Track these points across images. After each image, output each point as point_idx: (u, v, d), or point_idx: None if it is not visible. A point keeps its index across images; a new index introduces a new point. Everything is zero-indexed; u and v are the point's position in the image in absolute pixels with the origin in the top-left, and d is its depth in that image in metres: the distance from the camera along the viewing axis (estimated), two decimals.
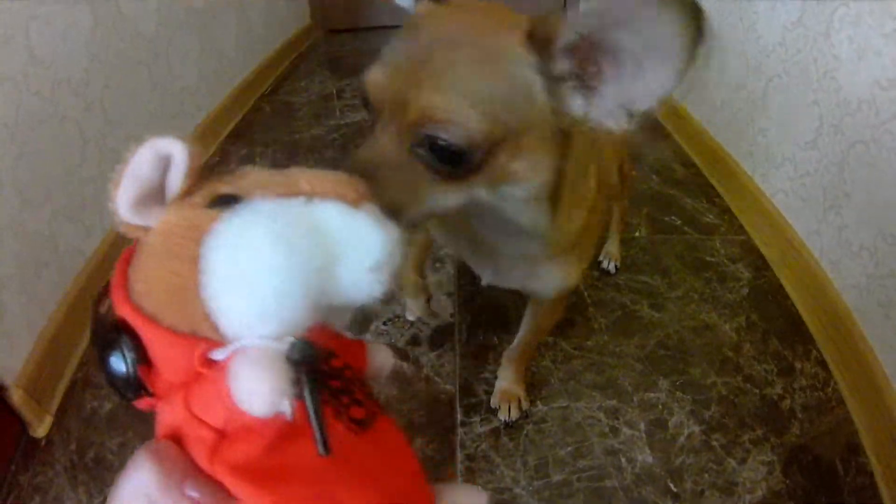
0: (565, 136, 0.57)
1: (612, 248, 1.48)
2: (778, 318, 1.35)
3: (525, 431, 1.12)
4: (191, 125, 1.96)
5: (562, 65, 0.52)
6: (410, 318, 1.34)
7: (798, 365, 1.25)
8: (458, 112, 0.50)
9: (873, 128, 1.20)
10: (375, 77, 0.55)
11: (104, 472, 1.07)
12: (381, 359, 0.53)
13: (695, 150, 1.97)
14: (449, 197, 0.56)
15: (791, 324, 1.34)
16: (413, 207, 0.55)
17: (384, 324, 1.33)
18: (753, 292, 1.40)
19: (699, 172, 1.82)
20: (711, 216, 1.62)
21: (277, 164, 1.57)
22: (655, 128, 2.07)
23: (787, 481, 1.06)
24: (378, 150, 0.54)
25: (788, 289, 1.42)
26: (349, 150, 2.00)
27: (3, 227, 1.13)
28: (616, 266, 1.47)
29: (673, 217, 1.62)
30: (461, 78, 0.51)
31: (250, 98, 2.41)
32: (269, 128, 2.24)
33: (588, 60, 0.51)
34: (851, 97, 1.28)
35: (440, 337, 1.29)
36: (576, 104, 0.54)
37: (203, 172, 0.41)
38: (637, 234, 1.56)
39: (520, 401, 1.14)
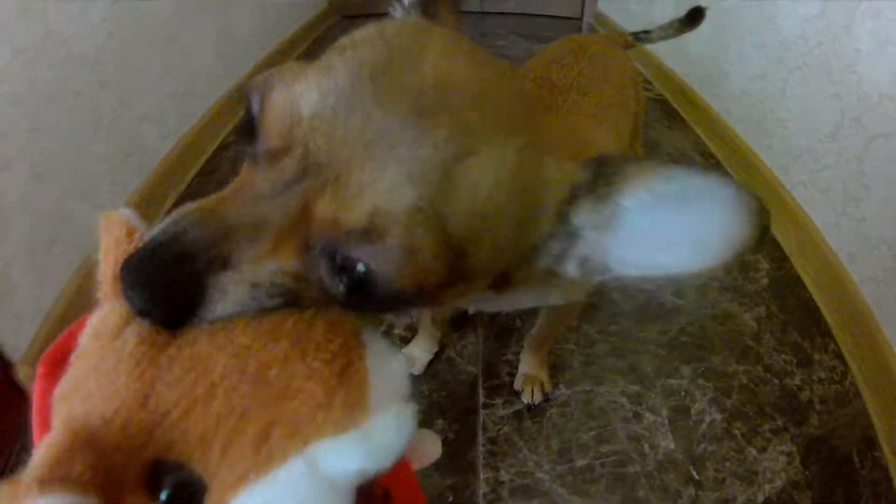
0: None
1: None
2: (797, 310, 1.35)
3: (548, 414, 1.12)
4: (204, 107, 1.93)
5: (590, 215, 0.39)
6: (414, 372, 1.17)
7: (816, 357, 1.26)
8: (408, 229, 0.32)
9: (894, 121, 1.20)
10: (307, 105, 0.34)
11: None
12: (428, 446, 0.47)
13: (713, 140, 1.96)
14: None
15: (809, 316, 1.34)
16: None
17: None
18: (773, 283, 1.40)
19: (718, 163, 1.81)
20: None
21: None
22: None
23: (806, 472, 1.07)
24: (260, 222, 0.33)
25: (807, 281, 1.42)
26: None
27: (14, 203, 1.11)
28: None
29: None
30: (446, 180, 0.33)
31: None
32: None
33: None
34: (872, 91, 1.27)
35: (462, 318, 1.28)
36: (573, 261, 0.41)
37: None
38: None
39: (543, 384, 1.13)
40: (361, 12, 3.21)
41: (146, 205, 1.55)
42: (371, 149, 0.32)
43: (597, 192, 0.38)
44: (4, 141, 1.07)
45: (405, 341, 1.20)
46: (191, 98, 1.85)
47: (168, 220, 0.35)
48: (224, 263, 0.33)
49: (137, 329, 0.33)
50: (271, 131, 0.34)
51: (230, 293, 0.33)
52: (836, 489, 1.06)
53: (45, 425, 0.33)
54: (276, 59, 2.50)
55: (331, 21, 3.22)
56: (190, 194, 1.72)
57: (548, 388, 1.14)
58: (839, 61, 1.39)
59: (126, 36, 1.47)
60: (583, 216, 0.39)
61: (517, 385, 1.14)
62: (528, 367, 1.14)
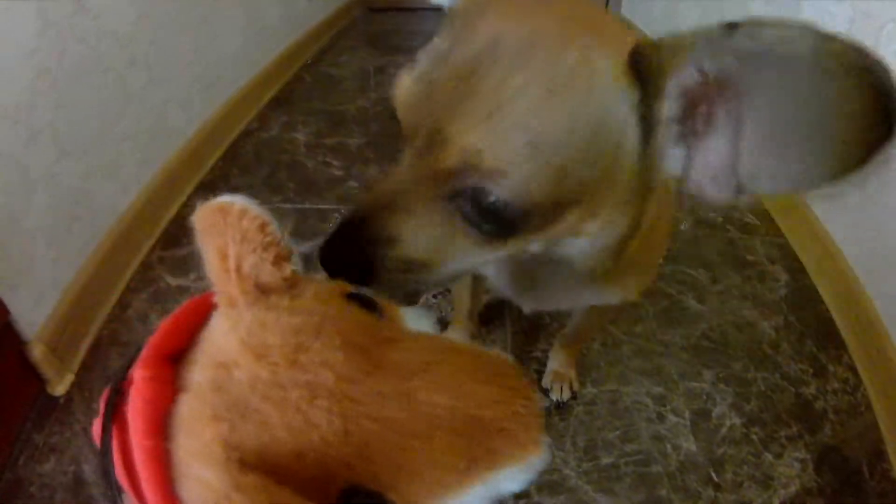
0: (649, 189, 0.44)
1: None
2: (813, 321, 1.38)
3: (575, 412, 1.14)
4: (232, 90, 1.93)
5: (670, 107, 0.38)
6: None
7: (831, 368, 1.29)
8: (515, 162, 0.36)
9: None
10: (404, 93, 0.42)
11: None
12: None
13: None
14: (491, 255, 0.44)
15: (825, 328, 1.38)
16: (442, 268, 0.44)
17: (434, 297, 1.32)
18: (791, 294, 1.44)
19: None
20: (752, 217, 1.64)
21: (321, 134, 1.54)
22: None
23: (819, 479, 1.10)
24: (402, 190, 0.41)
25: (823, 294, 1.45)
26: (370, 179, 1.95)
27: (38, 177, 1.09)
28: None
29: (714, 214, 1.63)
30: (524, 111, 0.36)
31: (292, 68, 2.40)
32: (311, 97, 2.20)
33: (700, 104, 0.37)
34: None
35: (492, 312, 1.29)
36: (674, 159, 0.40)
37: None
38: (682, 227, 1.57)
39: (572, 382, 1.16)
40: (387, 5, 3.27)
41: (169, 186, 1.54)
42: (473, 108, 0.37)
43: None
44: (32, 114, 1.06)
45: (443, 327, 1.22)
46: (218, 82, 1.84)
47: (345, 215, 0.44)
48: (388, 238, 0.42)
49: (325, 358, 0.33)
50: (404, 122, 0.42)
51: (390, 268, 0.42)
52: (847, 498, 1.09)
53: (156, 432, 0.33)
54: (303, 47, 2.51)
55: (357, 12, 3.24)
56: (212, 179, 1.71)
57: (576, 386, 1.16)
58: None
59: (158, 16, 1.46)
60: (665, 109, 0.38)
61: (545, 382, 1.17)
62: (558, 365, 1.16)
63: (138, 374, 0.35)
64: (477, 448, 0.33)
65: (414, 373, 0.35)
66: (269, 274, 0.37)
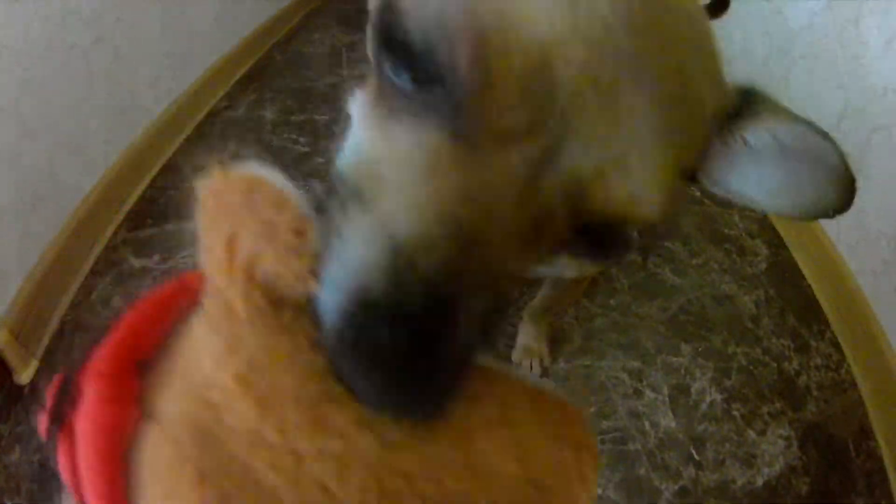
0: None
1: None
2: (794, 297, 1.33)
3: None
4: (201, 68, 1.86)
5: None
6: None
7: (813, 344, 1.24)
8: (660, 202, 0.29)
9: None
10: (555, 66, 0.25)
11: None
12: None
13: None
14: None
15: (807, 303, 1.32)
16: (522, 278, 0.32)
17: None
18: (771, 268, 1.38)
19: None
20: None
21: (289, 111, 1.44)
22: None
23: (803, 457, 1.05)
24: (489, 207, 0.25)
25: (804, 270, 1.41)
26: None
27: (1, 157, 1.06)
28: None
29: (691, 188, 1.58)
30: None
31: (263, 46, 2.31)
32: (281, 76, 2.13)
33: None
34: (878, 83, 1.26)
35: None
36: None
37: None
38: None
39: (542, 357, 1.08)
40: None
41: (135, 166, 1.48)
42: (648, 126, 0.27)
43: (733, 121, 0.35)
44: None
45: None
46: (187, 60, 1.77)
47: (364, 254, 0.24)
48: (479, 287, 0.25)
49: (363, 414, 0.24)
50: (508, 102, 0.25)
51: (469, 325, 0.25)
52: (832, 477, 1.04)
53: (111, 472, 0.24)
54: (275, 25, 2.42)
55: None
56: (176, 160, 1.61)
57: (547, 361, 1.09)
58: (846, 52, 1.37)
59: None
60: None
61: (515, 357, 1.09)
62: (528, 339, 1.09)
63: (92, 386, 0.26)
64: None
65: (475, 430, 0.26)
66: (289, 287, 0.25)
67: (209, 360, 0.25)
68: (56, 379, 0.28)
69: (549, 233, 0.27)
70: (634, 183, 0.26)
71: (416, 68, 0.26)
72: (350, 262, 0.24)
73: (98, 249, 1.32)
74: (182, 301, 0.28)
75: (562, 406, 0.30)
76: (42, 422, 0.27)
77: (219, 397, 0.24)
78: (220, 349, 0.25)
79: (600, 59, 0.25)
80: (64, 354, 1.11)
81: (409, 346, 0.23)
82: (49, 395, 0.28)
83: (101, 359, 0.27)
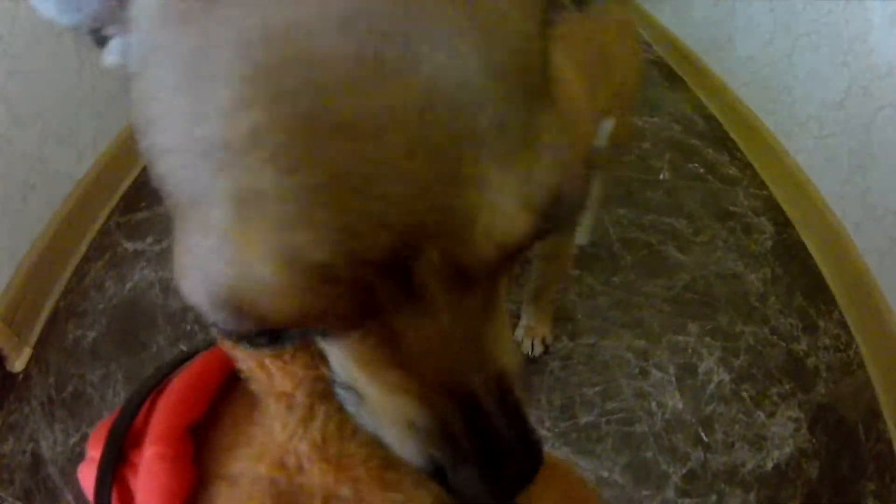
0: None
1: (584, 219, 1.26)
2: (801, 275, 1.29)
3: (550, 368, 1.02)
4: None
5: None
6: None
7: (821, 324, 1.20)
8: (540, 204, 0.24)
9: None
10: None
11: (83, 408, 0.99)
12: None
13: (715, 104, 1.90)
14: None
15: (814, 282, 1.29)
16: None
17: None
18: (777, 246, 1.34)
19: (719, 125, 1.75)
20: (734, 169, 1.55)
21: None
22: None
23: (813, 440, 1.01)
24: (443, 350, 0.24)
25: (811, 248, 1.37)
26: None
27: None
28: (588, 239, 1.28)
29: (695, 165, 1.53)
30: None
31: None
32: None
33: None
34: (882, 61, 1.23)
35: None
36: None
37: None
38: (661, 176, 1.47)
39: (544, 336, 1.03)
40: None
41: (127, 152, 1.45)
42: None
43: None
44: None
45: None
46: None
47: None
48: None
49: (417, 486, 0.29)
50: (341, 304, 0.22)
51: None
52: (843, 461, 1.00)
53: None
54: None
55: None
56: None
57: (548, 339, 1.03)
58: (850, 30, 1.34)
59: None
60: None
61: (517, 336, 1.04)
62: (529, 319, 1.04)
63: (151, 450, 0.29)
64: None
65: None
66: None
67: (281, 430, 0.29)
68: (101, 431, 0.30)
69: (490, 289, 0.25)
70: (500, 217, 0.21)
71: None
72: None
73: (91, 235, 1.32)
74: (219, 365, 0.32)
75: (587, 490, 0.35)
76: (86, 474, 0.30)
77: (294, 462, 0.28)
78: (294, 420, 0.29)
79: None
80: (57, 342, 1.10)
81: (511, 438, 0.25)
82: (94, 447, 0.30)
83: (156, 429, 0.29)
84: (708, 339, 1.11)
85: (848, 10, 1.35)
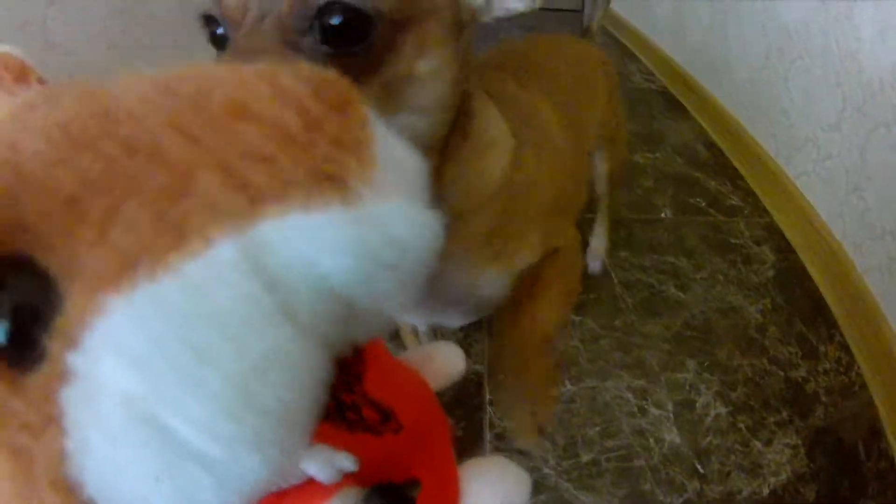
0: (461, 41, 0.47)
1: (597, 242, 1.38)
2: (802, 301, 1.35)
3: (554, 411, 1.13)
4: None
5: None
6: None
7: (822, 348, 1.26)
8: None
9: None
10: None
11: None
12: (450, 358, 0.41)
13: (717, 131, 1.95)
14: None
15: (815, 306, 1.34)
16: None
17: None
18: (778, 275, 1.40)
19: (722, 153, 1.81)
20: (735, 198, 1.61)
21: None
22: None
23: (811, 464, 1.07)
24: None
25: (812, 271, 1.42)
26: None
27: None
28: (602, 265, 1.38)
29: (697, 199, 1.61)
30: None
31: None
32: None
33: None
34: (874, 78, 1.27)
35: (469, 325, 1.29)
36: None
37: None
38: (662, 215, 1.55)
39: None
40: None
41: None
42: None
43: None
44: None
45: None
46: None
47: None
48: None
49: None
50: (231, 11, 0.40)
51: None
52: (843, 481, 1.06)
53: None
54: None
55: None
56: None
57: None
58: (840, 49, 1.38)
59: None
60: None
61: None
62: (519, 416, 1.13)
63: None
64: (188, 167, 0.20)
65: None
66: None
67: None
68: None
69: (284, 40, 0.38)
70: None
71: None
72: None
73: None
74: None
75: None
76: None
77: None
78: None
79: None
80: None
81: None
82: None
83: None
84: (706, 374, 1.19)
85: (838, 29, 1.39)
